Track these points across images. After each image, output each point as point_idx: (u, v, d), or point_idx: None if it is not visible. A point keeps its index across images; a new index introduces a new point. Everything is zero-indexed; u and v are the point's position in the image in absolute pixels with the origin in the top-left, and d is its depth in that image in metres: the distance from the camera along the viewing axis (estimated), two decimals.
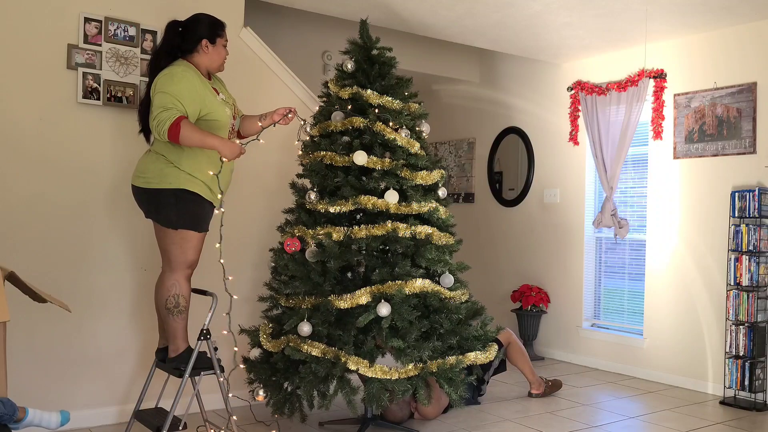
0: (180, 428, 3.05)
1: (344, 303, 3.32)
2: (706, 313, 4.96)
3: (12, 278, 2.76)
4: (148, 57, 3.63)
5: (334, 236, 3.41)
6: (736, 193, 4.64)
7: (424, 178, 3.58)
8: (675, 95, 5.18)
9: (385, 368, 3.27)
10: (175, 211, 3.08)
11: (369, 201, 3.42)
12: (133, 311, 3.89)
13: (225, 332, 3.22)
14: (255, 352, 3.78)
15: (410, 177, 3.53)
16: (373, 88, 3.63)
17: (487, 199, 6.86)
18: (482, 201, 6.92)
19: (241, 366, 3.63)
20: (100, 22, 3.75)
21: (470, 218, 6.93)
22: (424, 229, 3.46)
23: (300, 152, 3.74)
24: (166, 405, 3.40)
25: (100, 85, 3.75)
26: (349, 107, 3.61)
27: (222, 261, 3.20)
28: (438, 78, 6.90)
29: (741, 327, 4.53)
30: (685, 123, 5.10)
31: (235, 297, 3.29)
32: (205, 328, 3.11)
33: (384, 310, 3.24)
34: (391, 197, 3.45)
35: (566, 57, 5.84)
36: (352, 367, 3.25)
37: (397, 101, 3.61)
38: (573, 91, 5.87)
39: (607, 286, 5.88)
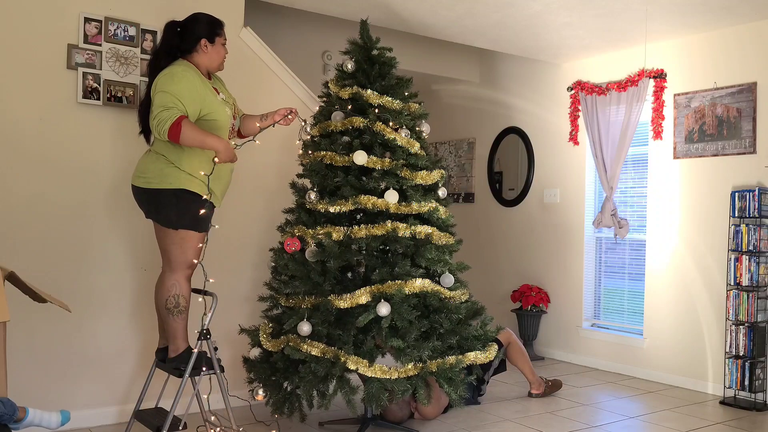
0: (180, 428, 3.05)
1: (344, 303, 3.32)
2: (706, 313, 4.96)
3: (12, 278, 2.76)
4: (148, 57, 3.61)
5: (334, 236, 3.41)
6: (736, 193, 4.63)
7: (424, 178, 3.58)
8: (675, 95, 5.17)
9: (385, 368, 3.27)
10: (176, 211, 3.07)
11: (369, 201, 3.42)
12: (133, 311, 3.89)
13: (196, 331, 3.12)
14: (255, 352, 3.78)
15: (410, 177, 3.53)
16: (373, 88, 3.63)
17: (487, 199, 6.86)
18: (482, 201, 6.91)
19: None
20: (100, 22, 3.75)
21: (470, 218, 6.93)
22: (424, 229, 3.47)
23: (300, 152, 3.74)
24: (166, 405, 3.39)
25: (100, 85, 3.75)
26: (349, 107, 3.61)
27: (202, 262, 3.15)
28: (438, 78, 6.90)
29: (741, 327, 4.53)
30: (685, 123, 5.10)
31: (215, 296, 3.18)
32: (204, 328, 3.11)
33: (384, 309, 3.24)
34: (391, 197, 3.45)
35: (566, 57, 5.84)
36: (352, 367, 3.25)
37: (397, 101, 3.61)
38: (573, 91, 5.86)
39: (607, 286, 5.88)
